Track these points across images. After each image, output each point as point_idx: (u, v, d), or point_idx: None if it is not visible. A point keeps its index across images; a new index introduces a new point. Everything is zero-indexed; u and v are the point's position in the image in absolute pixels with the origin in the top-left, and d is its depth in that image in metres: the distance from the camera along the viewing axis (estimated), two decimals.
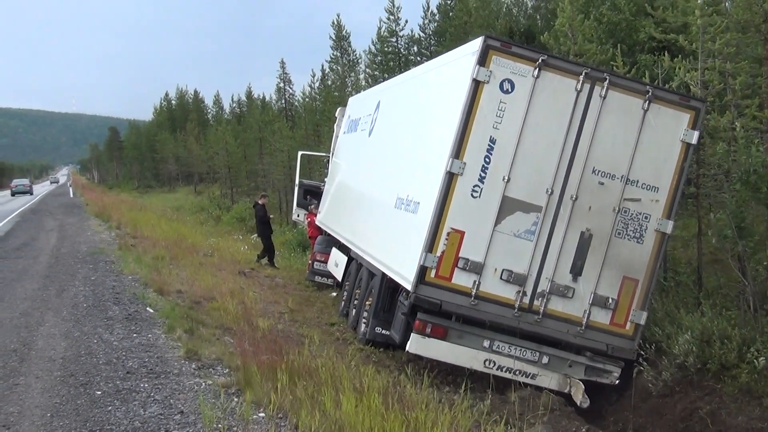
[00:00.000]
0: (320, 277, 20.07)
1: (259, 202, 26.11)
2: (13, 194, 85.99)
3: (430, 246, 10.69)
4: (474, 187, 10.68)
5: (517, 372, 11.10)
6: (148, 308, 13.91)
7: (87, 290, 15.75)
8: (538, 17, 41.92)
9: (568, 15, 19.55)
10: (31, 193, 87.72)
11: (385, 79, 30.59)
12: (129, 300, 14.65)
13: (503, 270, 10.76)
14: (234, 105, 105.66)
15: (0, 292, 15.57)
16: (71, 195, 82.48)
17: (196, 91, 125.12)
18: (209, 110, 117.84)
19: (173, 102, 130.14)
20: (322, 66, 57.94)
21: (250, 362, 9.58)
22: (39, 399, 8.79)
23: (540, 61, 10.66)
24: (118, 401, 8.69)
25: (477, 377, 11.16)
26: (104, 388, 9.14)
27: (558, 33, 20.56)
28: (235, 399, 8.79)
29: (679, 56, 15.12)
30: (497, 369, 11.09)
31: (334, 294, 18.90)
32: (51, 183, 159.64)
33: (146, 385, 9.27)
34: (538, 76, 10.65)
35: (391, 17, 45.97)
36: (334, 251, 18.52)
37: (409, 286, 10.93)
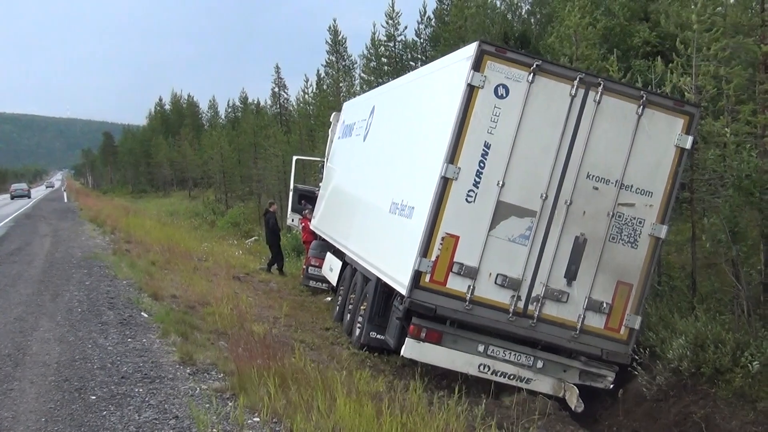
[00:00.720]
0: (315, 282, 20.08)
1: (270, 209, 25.89)
2: (12, 198, 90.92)
3: (425, 251, 10.69)
4: (469, 191, 10.69)
5: (512, 376, 11.12)
6: (142, 313, 13.89)
7: (81, 295, 15.71)
8: (532, 22, 41.98)
9: (576, 21, 19.58)
10: (29, 197, 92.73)
11: (379, 84, 30.60)
12: (123, 305, 14.62)
13: (498, 275, 10.77)
14: (229, 110, 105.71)
15: None
16: (65, 200, 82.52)
17: (190, 96, 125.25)
18: (204, 115, 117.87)
19: (168, 107, 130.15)
20: (318, 70, 57.94)
21: (244, 367, 9.57)
22: (33, 404, 8.76)
23: (534, 66, 10.68)
24: (113, 406, 8.68)
25: (472, 382, 11.18)
26: (99, 393, 9.13)
27: (563, 37, 20.59)
28: (230, 403, 8.78)
29: (674, 61, 15.12)
30: (492, 373, 11.10)
31: (329, 299, 18.90)
32: (46, 187, 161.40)
33: (141, 390, 9.26)
34: (532, 81, 10.67)
35: (390, 21, 45.89)
36: (329, 256, 18.53)
37: (404, 291, 10.94)
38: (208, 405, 8.62)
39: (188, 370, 10.22)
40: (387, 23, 46.16)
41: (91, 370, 10.14)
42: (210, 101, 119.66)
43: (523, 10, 44.41)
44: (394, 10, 45.66)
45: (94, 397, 8.98)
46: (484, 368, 11.09)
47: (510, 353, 11.11)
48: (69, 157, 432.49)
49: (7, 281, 17.81)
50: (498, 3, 42.88)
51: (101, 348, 11.29)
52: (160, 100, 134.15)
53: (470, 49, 10.88)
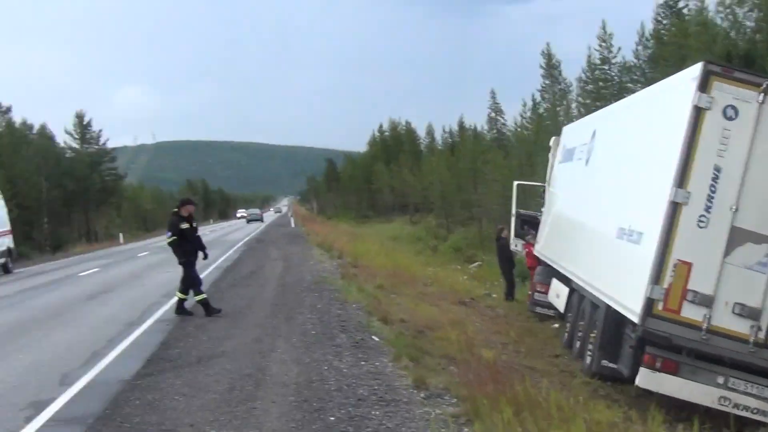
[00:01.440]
0: (541, 308, 19.85)
1: (503, 235, 24.82)
2: (248, 221, 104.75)
3: (657, 278, 10.45)
4: (700, 217, 10.37)
5: (756, 410, 10.58)
6: (373, 336, 14.15)
7: (314, 318, 16.24)
8: (757, 40, 39.89)
9: None
10: (262, 220, 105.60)
11: (597, 108, 30.18)
12: (355, 328, 14.96)
13: (735, 303, 10.34)
14: (446, 135, 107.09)
15: (233, 319, 16.37)
16: (292, 225, 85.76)
17: (408, 122, 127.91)
18: (422, 141, 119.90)
19: (386, 134, 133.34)
20: (533, 95, 57.97)
21: (476, 392, 9.61)
22: (276, 423, 9.11)
23: (765, 85, 10.25)
24: (352, 428, 8.89)
25: (713, 414, 10.77)
26: (337, 414, 9.36)
27: None
28: (465, 429, 8.84)
29: None
30: (733, 407, 10.58)
31: (557, 325, 18.65)
32: (275, 212, 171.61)
33: (377, 413, 9.43)
34: (763, 102, 10.25)
35: (603, 44, 45.32)
36: (555, 282, 18.37)
37: (635, 319, 10.72)
38: (444, 429, 8.75)
39: (422, 395, 10.32)
40: (600, 46, 45.57)
41: (329, 391, 10.43)
42: (427, 127, 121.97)
43: (748, 28, 42.31)
44: (606, 33, 45.05)
45: (333, 418, 9.23)
46: (724, 401, 10.61)
47: (753, 386, 10.58)
48: (293, 183, 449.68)
49: (244, 303, 18.78)
50: (719, 20, 41.19)
51: (336, 370, 11.61)
52: (380, 127, 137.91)
53: (695, 70, 10.62)
